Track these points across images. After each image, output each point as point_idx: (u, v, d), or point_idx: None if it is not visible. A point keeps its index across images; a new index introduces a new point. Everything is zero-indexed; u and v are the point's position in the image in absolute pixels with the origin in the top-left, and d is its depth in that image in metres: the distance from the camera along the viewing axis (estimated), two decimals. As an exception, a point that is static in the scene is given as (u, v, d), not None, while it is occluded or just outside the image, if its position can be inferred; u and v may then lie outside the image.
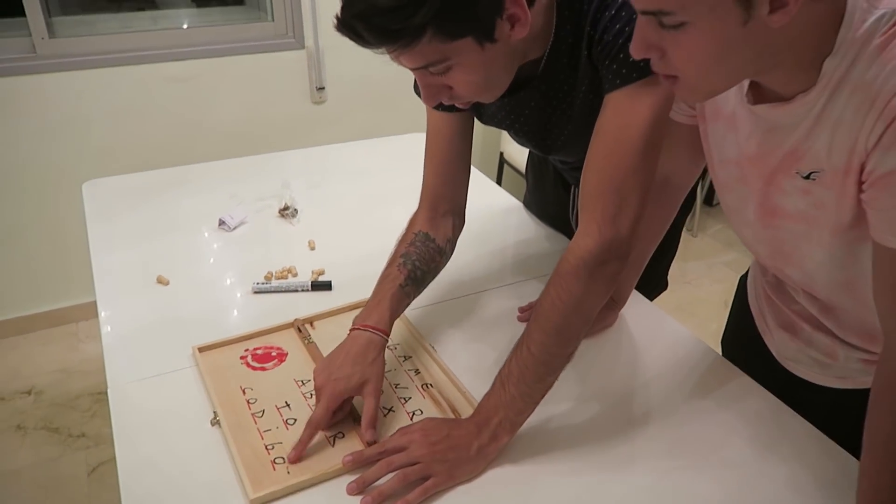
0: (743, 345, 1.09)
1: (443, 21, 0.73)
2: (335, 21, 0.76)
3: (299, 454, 0.86)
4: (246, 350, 1.05)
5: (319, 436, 0.89)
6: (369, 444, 0.87)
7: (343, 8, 0.74)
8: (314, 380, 0.91)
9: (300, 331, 1.09)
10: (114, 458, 0.85)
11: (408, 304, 1.03)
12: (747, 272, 1.12)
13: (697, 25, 0.60)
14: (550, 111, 0.97)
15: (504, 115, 1.02)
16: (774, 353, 1.01)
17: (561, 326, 0.84)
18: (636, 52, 0.67)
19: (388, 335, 0.96)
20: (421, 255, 1.04)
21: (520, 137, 1.08)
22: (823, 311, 0.90)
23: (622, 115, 0.82)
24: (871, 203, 0.66)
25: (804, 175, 0.72)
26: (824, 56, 0.64)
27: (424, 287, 1.06)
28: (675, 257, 1.37)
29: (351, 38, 0.75)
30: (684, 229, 1.32)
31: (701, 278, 2.77)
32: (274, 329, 1.10)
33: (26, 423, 2.03)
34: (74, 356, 2.30)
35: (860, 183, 0.67)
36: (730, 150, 0.82)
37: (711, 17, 0.59)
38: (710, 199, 3.21)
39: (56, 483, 1.84)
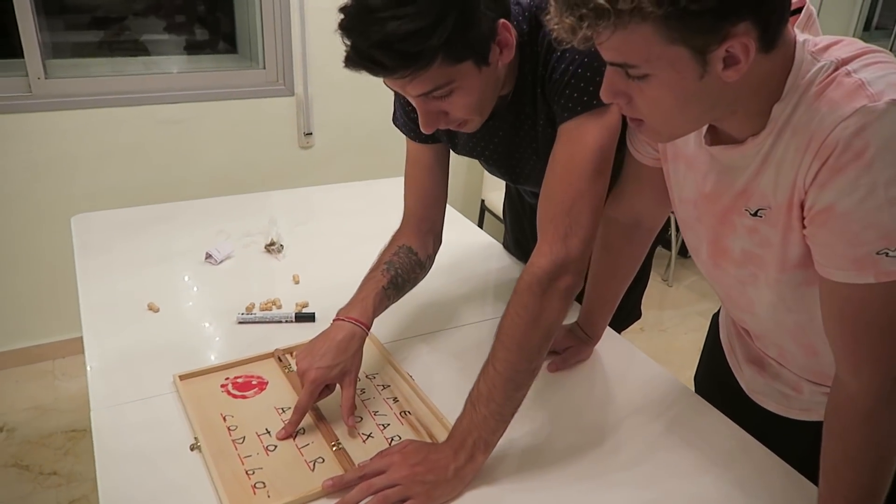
0: (714, 380, 1.13)
1: (452, 44, 0.79)
2: (347, 54, 0.79)
3: (288, 434, 0.95)
4: (226, 378, 1.07)
5: (300, 460, 0.91)
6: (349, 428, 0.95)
7: (356, 41, 0.78)
8: (297, 364, 0.97)
9: (280, 360, 1.11)
10: (85, 496, 0.86)
11: (386, 307, 1.08)
12: (719, 310, 1.16)
13: (659, 77, 0.66)
14: (518, 141, 1.04)
15: (475, 143, 1.09)
16: (744, 388, 1.04)
17: (521, 342, 0.88)
18: (605, 97, 0.73)
19: (370, 329, 1.02)
20: (403, 265, 1.10)
21: (490, 166, 1.15)
22: (779, 356, 0.95)
23: (571, 143, 0.89)
24: (812, 238, 0.71)
25: (752, 212, 0.77)
26: (774, 101, 0.70)
27: (402, 295, 1.12)
28: (652, 306, 1.42)
29: (366, 69, 0.79)
30: (661, 280, 1.38)
31: (676, 327, 2.83)
32: (254, 359, 1.11)
33: (-4, 460, 1.99)
34: (49, 394, 2.27)
35: (803, 219, 0.72)
36: (689, 189, 0.87)
37: (671, 71, 0.65)
38: (684, 251, 3.28)
39: (24, 522, 1.79)
